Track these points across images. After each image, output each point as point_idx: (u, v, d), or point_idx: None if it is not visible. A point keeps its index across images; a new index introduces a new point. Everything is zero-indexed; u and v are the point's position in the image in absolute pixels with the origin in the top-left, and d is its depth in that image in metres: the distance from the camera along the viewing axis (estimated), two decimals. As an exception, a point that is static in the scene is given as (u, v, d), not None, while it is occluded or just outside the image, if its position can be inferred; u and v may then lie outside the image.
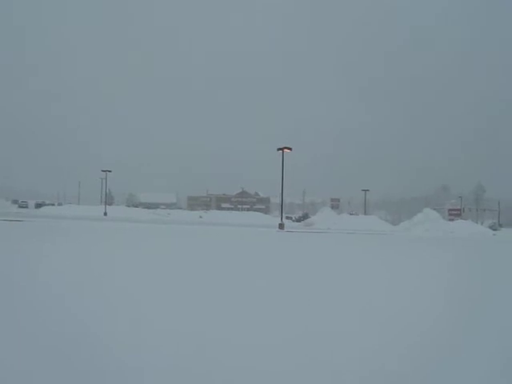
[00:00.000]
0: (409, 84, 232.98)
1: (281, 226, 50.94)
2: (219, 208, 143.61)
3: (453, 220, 79.52)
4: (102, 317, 7.01)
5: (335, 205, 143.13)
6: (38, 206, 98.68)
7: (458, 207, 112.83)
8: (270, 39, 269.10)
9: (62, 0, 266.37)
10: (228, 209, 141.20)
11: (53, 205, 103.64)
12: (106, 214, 78.44)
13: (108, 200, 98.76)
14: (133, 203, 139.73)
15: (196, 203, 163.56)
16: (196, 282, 10.54)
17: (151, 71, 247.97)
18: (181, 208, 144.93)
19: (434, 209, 70.19)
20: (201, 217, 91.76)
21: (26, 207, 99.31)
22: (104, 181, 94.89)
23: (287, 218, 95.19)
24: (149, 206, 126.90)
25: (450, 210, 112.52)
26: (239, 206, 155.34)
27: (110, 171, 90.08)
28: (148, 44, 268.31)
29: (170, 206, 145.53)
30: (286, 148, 55.61)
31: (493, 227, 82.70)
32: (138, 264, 13.45)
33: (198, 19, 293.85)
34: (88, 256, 14.69)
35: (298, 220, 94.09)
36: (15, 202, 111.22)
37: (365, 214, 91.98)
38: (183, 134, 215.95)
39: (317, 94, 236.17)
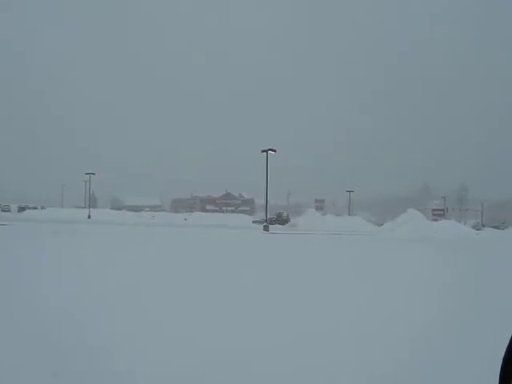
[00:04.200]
0: (398, 86, 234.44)
1: (265, 228, 51.00)
2: (204, 210, 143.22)
3: (436, 220, 79.97)
4: (100, 319, 7.01)
5: (320, 206, 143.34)
6: (21, 209, 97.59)
7: (442, 207, 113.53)
8: (269, 40, 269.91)
9: (61, 1, 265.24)
10: (213, 211, 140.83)
11: (36, 208, 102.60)
12: (89, 216, 77.93)
13: (91, 203, 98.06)
14: (117, 206, 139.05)
15: (180, 205, 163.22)
16: (189, 285, 10.54)
17: (149, 72, 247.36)
18: (165, 210, 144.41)
19: (418, 209, 70.37)
20: (185, 219, 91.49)
21: (9, 211, 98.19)
22: (87, 183, 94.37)
23: (254, 222, 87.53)
24: (133, 208, 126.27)
25: (433, 210, 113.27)
26: (224, 208, 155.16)
27: (93, 174, 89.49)
28: (147, 44, 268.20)
29: (154, 208, 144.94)
30: (270, 150, 55.85)
31: (476, 227, 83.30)
32: (130, 268, 13.42)
33: (198, 19, 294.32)
34: (80, 259, 14.62)
35: (271, 222, 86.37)
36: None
37: (349, 214, 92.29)
38: (167, 135, 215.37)
39: (305, 97, 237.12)
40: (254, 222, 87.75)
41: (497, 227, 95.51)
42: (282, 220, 79.07)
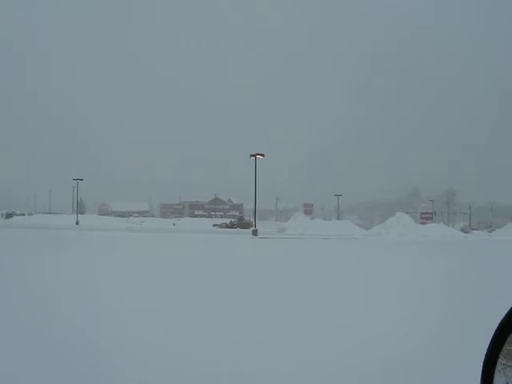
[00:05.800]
0: (385, 90, 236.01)
1: (254, 233, 50.98)
2: (192, 215, 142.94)
3: (425, 223, 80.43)
4: (100, 322, 6.97)
5: (308, 210, 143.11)
6: (9, 216, 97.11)
7: (430, 211, 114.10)
8: (270, 39, 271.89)
9: (61, 2, 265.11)
10: (201, 216, 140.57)
11: (23, 215, 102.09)
12: (78, 223, 77.55)
13: (79, 209, 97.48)
14: (105, 211, 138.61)
15: (169, 211, 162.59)
16: (187, 288, 10.52)
17: (149, 72, 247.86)
18: (153, 216, 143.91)
19: (407, 212, 70.80)
20: (174, 224, 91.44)
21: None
22: (75, 189, 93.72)
23: (214, 225, 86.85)
24: (121, 214, 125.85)
25: (422, 213, 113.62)
26: (212, 213, 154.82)
27: (81, 179, 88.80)
28: (147, 44, 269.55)
29: (142, 213, 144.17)
30: (258, 154, 55.80)
31: (464, 230, 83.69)
32: (126, 273, 13.40)
33: (198, 19, 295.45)
34: (75, 266, 14.55)
35: (232, 226, 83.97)
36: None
37: (338, 218, 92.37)
38: (156, 139, 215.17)
39: (292, 101, 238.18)
40: (214, 225, 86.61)
41: (483, 230, 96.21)
42: (242, 224, 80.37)
